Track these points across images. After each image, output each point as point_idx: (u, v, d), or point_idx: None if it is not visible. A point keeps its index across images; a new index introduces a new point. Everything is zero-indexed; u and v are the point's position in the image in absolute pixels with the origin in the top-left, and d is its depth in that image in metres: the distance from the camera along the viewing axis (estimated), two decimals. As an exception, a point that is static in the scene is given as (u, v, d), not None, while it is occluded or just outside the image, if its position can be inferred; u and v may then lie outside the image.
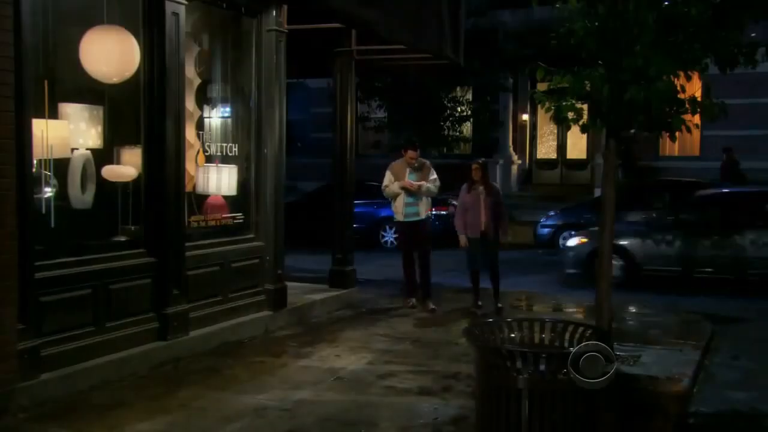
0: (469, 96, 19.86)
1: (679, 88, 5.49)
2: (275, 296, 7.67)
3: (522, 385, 3.60)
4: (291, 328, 7.68)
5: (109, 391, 5.50)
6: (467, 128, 20.30)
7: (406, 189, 8.69)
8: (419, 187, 8.64)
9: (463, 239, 8.70)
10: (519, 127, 22.62)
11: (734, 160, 17.21)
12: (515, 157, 22.30)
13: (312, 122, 23.68)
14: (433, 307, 8.71)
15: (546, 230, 15.00)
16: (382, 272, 11.39)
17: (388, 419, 5.09)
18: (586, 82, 5.65)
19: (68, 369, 5.46)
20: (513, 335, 4.12)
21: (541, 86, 6.92)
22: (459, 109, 19.18)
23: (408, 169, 8.72)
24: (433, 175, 8.84)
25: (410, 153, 8.74)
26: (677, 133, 5.57)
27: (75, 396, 5.30)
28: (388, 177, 8.82)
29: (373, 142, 20.32)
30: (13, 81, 4.85)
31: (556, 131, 22.21)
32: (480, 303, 8.78)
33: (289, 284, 8.05)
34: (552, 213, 15.32)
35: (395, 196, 8.78)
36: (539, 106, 6.59)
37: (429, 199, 8.90)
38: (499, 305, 8.75)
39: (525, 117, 22.61)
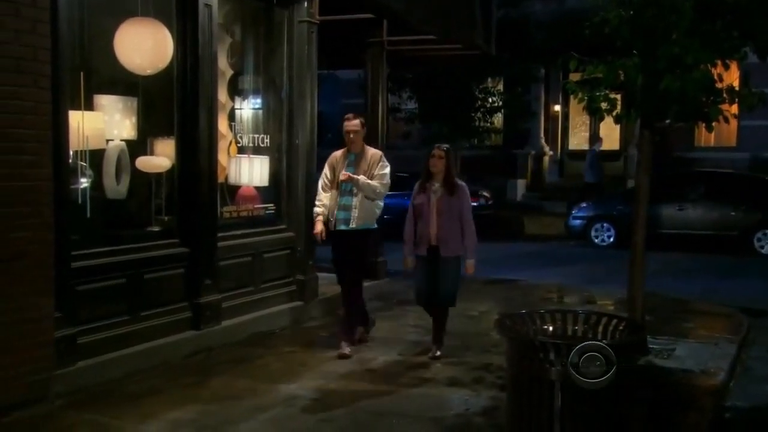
0: (501, 87, 19.70)
1: (716, 77, 5.40)
2: (306, 287, 7.71)
3: (555, 377, 3.57)
4: (322, 318, 7.71)
5: (142, 379, 5.57)
6: (498, 119, 20.16)
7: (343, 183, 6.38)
8: (356, 180, 6.27)
9: (408, 260, 6.33)
10: (551, 117, 22.43)
11: None
12: (547, 148, 22.12)
13: (342, 113, 23.70)
14: (347, 350, 6.30)
15: (577, 222, 14.88)
16: (412, 263, 11.38)
17: (418, 410, 5.09)
18: (620, 71, 5.58)
19: (103, 357, 5.54)
20: (545, 327, 4.08)
21: (574, 76, 6.83)
22: (490, 100, 19.04)
23: (346, 160, 6.50)
24: (383, 170, 6.40)
25: (345, 125, 6.43)
26: (714, 123, 5.48)
27: (109, 384, 5.38)
28: (323, 172, 6.63)
29: (403, 133, 20.27)
30: (50, 73, 4.90)
31: (588, 122, 21.97)
32: (437, 353, 6.26)
33: (320, 275, 8.07)
34: (584, 204, 15.18)
35: (325, 197, 6.48)
36: (572, 97, 6.54)
37: (378, 204, 6.45)
38: (437, 353, 6.22)
39: (557, 108, 22.40)
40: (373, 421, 4.92)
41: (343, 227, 6.36)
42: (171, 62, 6.08)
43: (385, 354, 6.43)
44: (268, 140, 7.68)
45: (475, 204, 15.87)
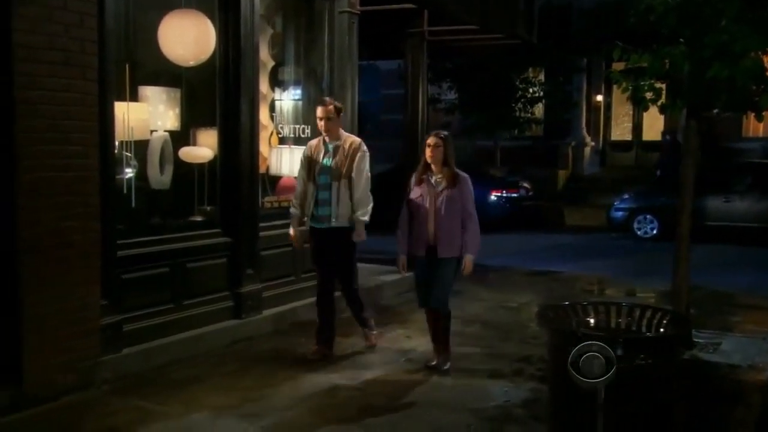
0: (542, 77, 19.49)
1: (767, 65, 5.27)
2: (346, 277, 7.72)
3: (598, 370, 3.53)
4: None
5: (185, 366, 5.66)
6: (539, 110, 19.96)
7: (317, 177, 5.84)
8: (361, 224, 5.81)
9: (401, 260, 5.72)
10: (593, 108, 22.12)
11: None
12: (588, 139, 21.82)
13: (382, 104, 23.69)
14: (373, 340, 6.25)
15: (620, 213, 14.67)
16: (451, 254, 11.35)
17: (459, 401, 5.08)
18: (666, 60, 5.47)
19: (147, 344, 5.64)
20: (588, 319, 4.04)
21: (617, 66, 6.72)
22: (531, 90, 18.87)
23: (323, 151, 5.86)
24: (362, 163, 5.79)
25: (318, 110, 5.84)
26: (764, 113, 5.35)
27: (154, 370, 5.48)
28: (300, 165, 6.04)
29: (443, 123, 20.20)
30: (97, 65, 4.99)
31: (631, 112, 21.61)
32: (446, 367, 5.68)
33: (360, 266, 8.07)
34: (626, 196, 14.96)
35: (301, 193, 5.92)
36: (615, 87, 6.43)
37: (364, 198, 5.81)
38: (445, 365, 5.65)
39: (599, 98, 22.08)
40: (414, 411, 4.93)
41: (323, 225, 5.80)
42: (213, 54, 6.14)
43: (424, 344, 6.42)
44: (308, 131, 7.71)
45: (515, 195, 16.05)
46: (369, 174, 5.88)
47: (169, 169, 6.27)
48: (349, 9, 7.52)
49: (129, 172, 5.95)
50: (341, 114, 5.95)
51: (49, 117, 4.70)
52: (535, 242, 13.91)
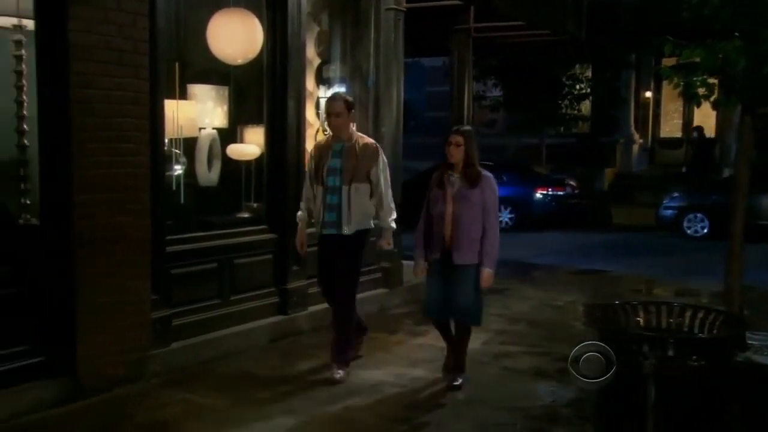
0: (589, 73, 19.24)
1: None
2: (391, 274, 7.75)
3: (648, 371, 3.47)
4: (406, 306, 7.74)
5: (232, 361, 5.73)
6: (586, 106, 19.71)
7: (328, 181, 5.32)
8: (389, 233, 5.48)
9: (419, 267, 5.29)
10: (641, 104, 21.76)
11: None
12: (636, 136, 21.49)
13: (426, 101, 23.67)
14: (339, 374, 5.33)
15: (669, 212, 14.39)
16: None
17: (504, 400, 5.05)
18: (720, 55, 5.34)
19: (195, 339, 5.72)
20: (637, 319, 3.98)
21: (668, 61, 6.59)
22: (577, 87, 18.64)
23: (330, 150, 5.37)
24: (385, 172, 5.37)
25: (326, 106, 5.40)
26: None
27: (201, 364, 5.56)
28: (307, 165, 5.73)
29: (488, 121, 20.09)
30: (148, 64, 5.08)
31: (681, 108, 21.20)
32: (458, 382, 5.24)
33: (405, 263, 8.09)
34: (675, 194, 14.67)
35: (309, 196, 5.50)
36: (666, 82, 6.31)
37: (390, 206, 5.42)
38: (457, 381, 5.22)
39: (648, 94, 21.72)
40: (460, 408, 4.92)
41: (332, 231, 5.29)
42: (261, 52, 6.20)
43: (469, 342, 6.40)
44: (354, 128, 7.72)
45: (560, 193, 15.89)
46: (388, 180, 5.44)
47: (217, 166, 6.35)
48: (395, 6, 7.53)
49: (178, 169, 6.04)
50: (352, 111, 5.40)
51: (103, 115, 4.80)
52: (582, 241, 13.74)
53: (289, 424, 4.60)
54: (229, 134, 6.55)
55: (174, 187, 5.94)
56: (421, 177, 16.82)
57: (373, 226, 5.47)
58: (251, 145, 6.65)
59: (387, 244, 5.52)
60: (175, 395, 4.99)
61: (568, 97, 18.56)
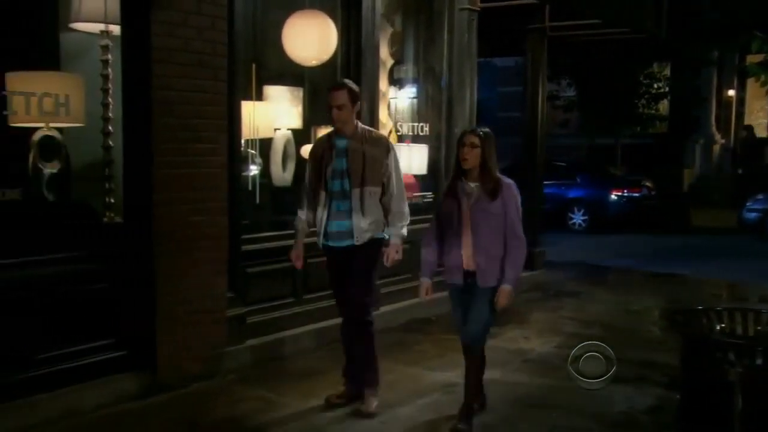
0: (667, 71, 18.70)
1: None
2: (462, 275, 7.69)
3: (734, 379, 3.34)
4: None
5: (305, 359, 5.79)
6: (664, 106, 19.17)
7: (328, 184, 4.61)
8: (398, 249, 4.70)
9: (424, 285, 4.52)
10: (723, 103, 21.02)
11: None
12: (718, 136, 20.78)
13: (498, 101, 23.45)
14: (374, 404, 4.76)
15: (753, 214, 13.88)
16: (569, 254, 11.13)
17: (579, 405, 4.95)
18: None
19: (269, 337, 5.81)
20: (722, 325, 3.84)
21: (754, 58, 6.34)
22: (655, 86, 18.14)
23: (333, 147, 4.62)
24: (397, 170, 4.68)
25: (329, 96, 4.60)
26: None
27: (275, 362, 5.64)
28: (307, 166, 4.85)
29: (561, 121, 19.76)
30: (226, 66, 5.19)
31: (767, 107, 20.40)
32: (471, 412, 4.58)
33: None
34: (760, 196, 14.12)
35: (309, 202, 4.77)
36: (752, 80, 6.07)
37: (403, 210, 4.69)
38: (460, 427, 4.45)
39: (731, 92, 20.97)
40: (533, 413, 4.85)
41: (341, 243, 4.61)
42: (335, 53, 6.24)
43: (542, 345, 6.32)
44: (427, 128, 7.72)
45: (636, 194, 15.51)
46: (403, 184, 4.72)
47: (291, 167, 6.44)
48: (469, 6, 7.48)
49: (253, 170, 6.15)
50: (357, 102, 4.64)
51: (182, 116, 4.93)
52: (659, 244, 13.38)
53: (362, 424, 4.61)
54: (303, 135, 6.63)
55: (249, 187, 6.05)
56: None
57: (384, 236, 4.71)
58: (325, 145, 6.70)
59: (396, 253, 4.67)
60: (250, 392, 5.07)
61: (646, 96, 18.08)
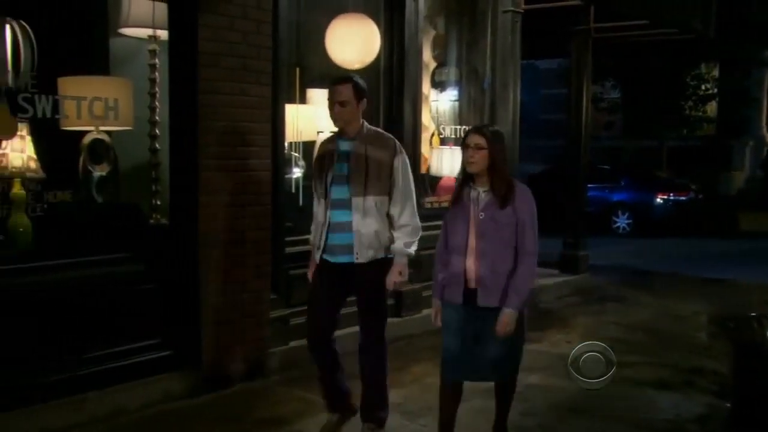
0: (715, 72, 18.34)
1: None
2: (505, 279, 7.64)
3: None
4: (520, 311, 7.61)
5: (348, 361, 5.76)
6: (711, 107, 18.79)
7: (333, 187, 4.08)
8: (403, 270, 4.11)
9: (435, 307, 4.00)
10: (775, 104, 20.56)
11: None
12: (768, 138, 20.31)
13: (540, 103, 23.27)
14: None
15: (805, 219, 13.53)
16: (613, 258, 10.99)
17: (623, 411, 4.88)
18: None
19: (312, 338, 5.83)
20: (774, 332, 3.75)
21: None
22: (703, 87, 17.80)
23: (336, 151, 4.10)
24: (406, 176, 4.11)
25: (330, 91, 4.08)
26: None
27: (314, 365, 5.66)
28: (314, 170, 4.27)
29: (605, 123, 19.50)
30: (270, 70, 5.24)
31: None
32: None
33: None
34: (812, 200, 13.77)
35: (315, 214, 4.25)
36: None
37: (411, 223, 4.12)
38: None
39: (783, 92, 20.49)
40: (573, 418, 4.79)
41: (341, 259, 4.06)
42: (378, 56, 6.26)
43: (586, 351, 6.23)
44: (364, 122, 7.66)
45: (683, 198, 15.24)
46: (413, 188, 4.16)
47: (333, 170, 6.45)
48: (513, 8, 7.43)
49: (297, 172, 6.19)
50: (363, 99, 4.08)
51: (227, 119, 4.99)
52: (706, 248, 13.12)
53: (404, 428, 4.61)
54: (345, 137, 6.64)
55: (293, 190, 6.09)
56: (535, 180, 16.61)
57: (390, 255, 4.11)
58: (367, 148, 6.72)
59: (398, 275, 4.09)
60: (293, 393, 5.10)
61: (693, 97, 17.75)
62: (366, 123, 4.15)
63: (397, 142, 4.15)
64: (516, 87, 7.65)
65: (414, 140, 6.62)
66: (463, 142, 3.82)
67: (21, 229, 4.54)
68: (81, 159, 5.02)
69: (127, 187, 5.46)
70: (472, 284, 3.73)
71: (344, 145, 4.06)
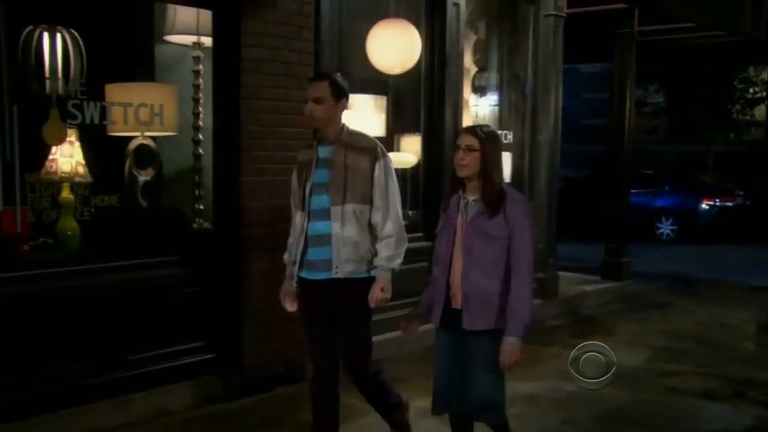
0: (764, 75, 17.95)
1: None
2: (546, 285, 7.58)
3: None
4: (562, 318, 7.55)
5: (390, 366, 5.75)
6: (760, 111, 18.38)
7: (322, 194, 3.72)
8: (386, 285, 3.70)
9: (412, 324, 3.67)
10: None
11: None
12: (820, 143, 19.75)
13: (582, 108, 23.01)
14: None
15: None
16: (657, 265, 10.80)
17: (670, 421, 4.79)
18: None
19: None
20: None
21: None
22: (751, 90, 17.42)
23: (314, 156, 3.75)
24: (390, 182, 3.71)
25: (308, 87, 3.77)
26: None
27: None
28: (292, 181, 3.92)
29: (649, 128, 19.19)
30: (312, 75, 5.26)
31: None
32: None
33: (560, 273, 7.90)
34: None
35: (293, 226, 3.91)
36: None
37: (396, 234, 3.72)
38: None
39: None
40: (616, 427, 4.72)
41: (318, 276, 3.71)
42: (419, 61, 6.27)
43: (631, 358, 6.13)
44: (510, 136, 7.65)
45: (729, 204, 14.92)
46: (399, 196, 3.77)
47: (375, 174, 6.46)
48: (555, 12, 7.38)
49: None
50: (342, 99, 3.71)
51: (268, 124, 5.03)
52: (754, 255, 12.81)
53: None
54: (386, 143, 6.62)
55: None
56: (576, 185, 16.38)
57: (371, 274, 3.72)
58: (408, 153, 6.72)
59: (381, 291, 3.68)
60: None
61: (740, 101, 17.38)
62: (347, 126, 3.78)
63: (380, 145, 3.75)
64: (558, 92, 7.59)
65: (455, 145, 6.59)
66: (454, 144, 3.49)
67: (69, 233, 4.64)
68: (127, 164, 5.12)
69: (172, 192, 5.54)
70: (457, 304, 3.32)
71: (323, 152, 3.72)
